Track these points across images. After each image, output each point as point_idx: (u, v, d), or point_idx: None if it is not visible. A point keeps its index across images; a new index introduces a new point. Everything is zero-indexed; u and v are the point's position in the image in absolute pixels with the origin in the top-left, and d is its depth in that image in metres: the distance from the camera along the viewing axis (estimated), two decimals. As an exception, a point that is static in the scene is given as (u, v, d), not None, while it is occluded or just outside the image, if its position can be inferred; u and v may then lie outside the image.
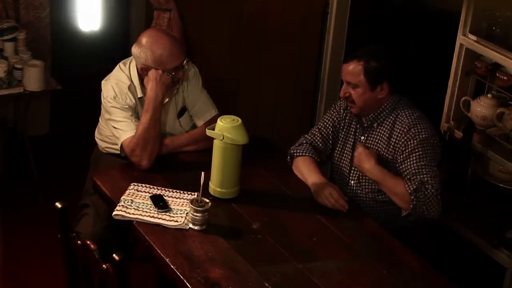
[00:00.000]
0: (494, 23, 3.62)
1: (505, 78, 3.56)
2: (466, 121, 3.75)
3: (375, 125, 3.32)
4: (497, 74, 3.60)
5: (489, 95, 3.69)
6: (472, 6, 3.59)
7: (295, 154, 3.41)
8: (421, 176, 3.13)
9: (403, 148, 3.22)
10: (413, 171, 3.16)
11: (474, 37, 3.62)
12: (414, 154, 3.19)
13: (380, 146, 3.29)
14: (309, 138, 3.46)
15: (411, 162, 3.18)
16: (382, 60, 3.23)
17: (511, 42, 3.54)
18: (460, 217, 3.74)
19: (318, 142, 3.44)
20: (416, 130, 3.21)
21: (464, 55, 3.70)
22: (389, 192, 3.20)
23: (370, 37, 4.96)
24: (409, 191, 3.10)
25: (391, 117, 3.28)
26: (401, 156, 3.22)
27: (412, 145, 3.20)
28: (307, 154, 3.38)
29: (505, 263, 3.53)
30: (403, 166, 3.20)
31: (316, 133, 3.46)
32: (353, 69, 3.24)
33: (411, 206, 3.11)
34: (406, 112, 3.27)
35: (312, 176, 3.29)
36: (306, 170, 3.33)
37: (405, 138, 3.22)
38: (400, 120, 3.26)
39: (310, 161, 3.37)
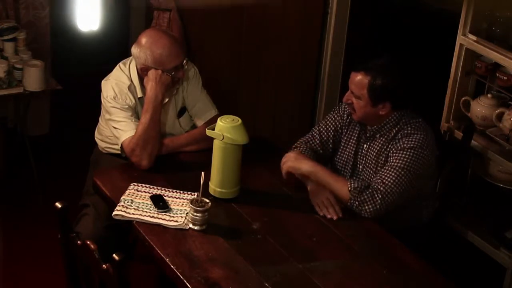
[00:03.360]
0: (494, 23, 3.62)
1: (505, 78, 3.56)
2: (466, 121, 3.75)
3: (377, 135, 3.30)
4: (497, 74, 3.60)
5: (489, 95, 3.69)
6: (472, 6, 3.59)
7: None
8: (378, 180, 3.13)
9: (390, 154, 3.22)
10: (380, 173, 3.15)
11: (474, 37, 3.62)
12: (391, 159, 3.18)
13: (380, 156, 3.27)
14: (308, 138, 3.44)
15: (385, 166, 3.17)
16: (388, 80, 3.15)
17: (511, 42, 3.54)
18: (460, 217, 3.74)
19: (317, 146, 3.42)
20: (407, 139, 3.18)
21: (464, 55, 3.70)
22: (329, 186, 3.18)
23: (370, 37, 4.97)
24: (349, 188, 3.11)
25: (394, 130, 3.24)
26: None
27: (394, 150, 3.19)
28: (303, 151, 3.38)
29: (505, 263, 3.53)
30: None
31: (316, 135, 3.43)
32: (359, 80, 3.18)
33: (348, 204, 3.13)
34: (408, 125, 3.22)
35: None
36: None
37: (396, 146, 3.20)
38: (400, 132, 3.23)
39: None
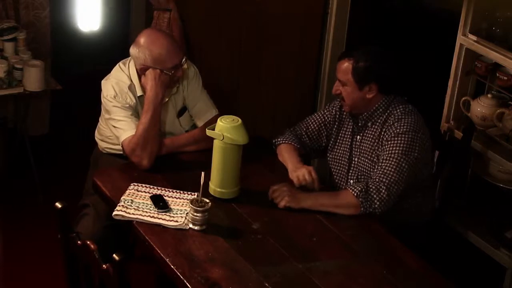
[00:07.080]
0: (494, 23, 3.62)
1: (505, 78, 3.56)
2: (466, 121, 3.75)
3: (369, 124, 3.33)
4: (497, 74, 3.60)
5: (489, 95, 3.69)
6: (472, 6, 3.59)
7: (277, 142, 3.49)
8: (379, 172, 3.14)
9: (384, 142, 3.24)
10: (380, 165, 3.18)
11: (474, 37, 3.62)
12: (386, 147, 3.20)
13: (374, 144, 3.30)
14: (295, 128, 3.53)
15: (382, 155, 3.19)
16: (370, 61, 3.23)
17: (511, 42, 3.54)
18: (460, 217, 3.74)
19: (303, 132, 3.50)
20: (399, 124, 3.22)
21: (464, 55, 3.70)
22: (336, 207, 3.15)
23: (370, 37, 4.96)
24: (355, 194, 3.11)
25: (384, 116, 3.29)
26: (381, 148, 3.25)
27: (388, 136, 3.22)
28: (288, 141, 3.46)
29: (505, 263, 3.53)
30: (380, 158, 3.23)
31: (302, 125, 3.52)
32: (344, 67, 3.26)
33: (361, 209, 3.11)
34: (397, 109, 3.27)
35: (292, 159, 3.34)
36: (287, 155, 3.40)
37: (389, 132, 3.23)
38: (391, 117, 3.27)
39: (292, 148, 3.44)
